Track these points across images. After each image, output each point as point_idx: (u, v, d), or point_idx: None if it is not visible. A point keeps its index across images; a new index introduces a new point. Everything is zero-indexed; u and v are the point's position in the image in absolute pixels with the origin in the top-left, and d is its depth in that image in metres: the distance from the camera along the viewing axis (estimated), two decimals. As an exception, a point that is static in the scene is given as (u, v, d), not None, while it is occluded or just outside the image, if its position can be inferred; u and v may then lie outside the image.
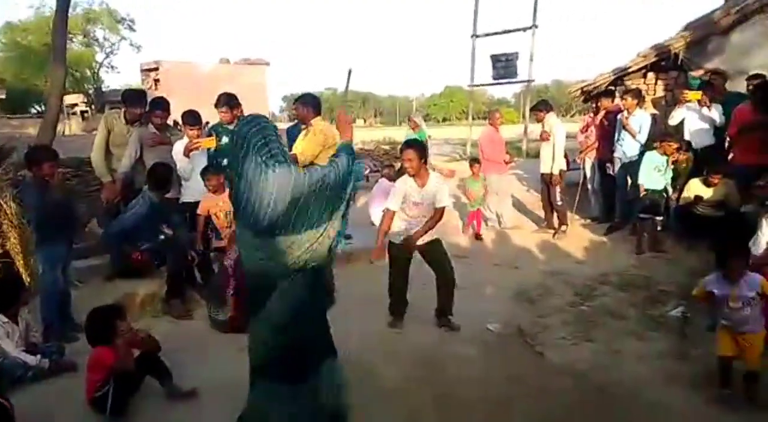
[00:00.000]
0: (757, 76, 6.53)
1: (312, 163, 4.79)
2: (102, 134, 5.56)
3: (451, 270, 4.54)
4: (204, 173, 5.09)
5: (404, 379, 3.60)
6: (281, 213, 2.38)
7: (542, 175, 7.46)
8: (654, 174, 6.37)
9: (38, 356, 3.61)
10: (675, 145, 6.22)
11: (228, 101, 5.45)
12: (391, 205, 4.45)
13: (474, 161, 7.76)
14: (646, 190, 6.40)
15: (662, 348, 4.03)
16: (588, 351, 4.04)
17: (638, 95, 7.18)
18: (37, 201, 4.17)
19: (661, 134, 6.49)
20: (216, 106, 5.54)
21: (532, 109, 7.97)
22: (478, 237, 7.48)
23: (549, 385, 3.52)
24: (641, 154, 6.72)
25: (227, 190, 4.41)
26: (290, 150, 5.40)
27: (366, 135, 25.24)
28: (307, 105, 4.97)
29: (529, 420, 3.13)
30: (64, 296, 4.33)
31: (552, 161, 7.21)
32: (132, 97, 5.64)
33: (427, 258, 4.60)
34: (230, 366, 3.81)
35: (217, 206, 5.04)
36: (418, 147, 4.48)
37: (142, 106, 5.57)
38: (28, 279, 5.01)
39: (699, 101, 6.57)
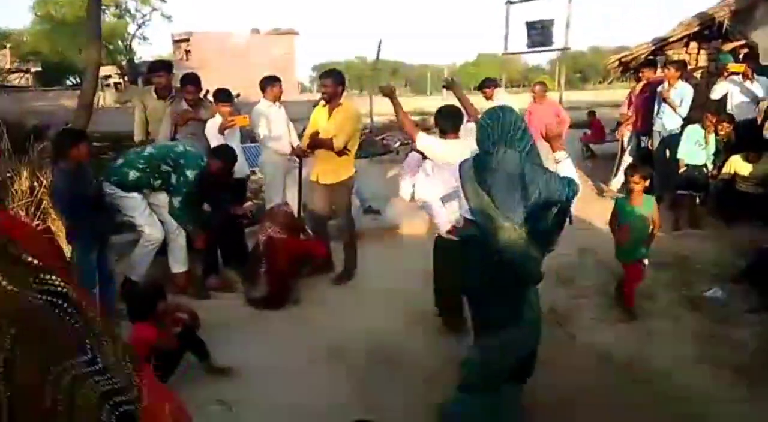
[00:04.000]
0: None
1: (345, 147, 4.78)
2: (139, 113, 5.64)
3: None
4: None
5: (442, 361, 3.64)
6: (534, 211, 2.45)
7: None
8: (695, 148, 6.19)
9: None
10: (714, 119, 6.01)
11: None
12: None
13: (635, 173, 4.19)
14: (686, 164, 6.24)
15: (697, 331, 3.97)
16: (620, 332, 4.00)
17: (682, 66, 6.93)
18: (68, 193, 3.96)
19: (705, 109, 6.26)
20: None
21: (478, 88, 7.59)
22: (629, 311, 4.26)
23: (578, 367, 3.51)
24: (682, 127, 6.53)
25: None
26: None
27: (396, 105, 25.08)
28: (338, 83, 4.88)
29: (556, 402, 3.13)
30: (105, 285, 4.26)
31: None
32: (155, 67, 5.69)
33: None
34: (264, 345, 3.93)
35: None
36: None
37: (167, 72, 5.59)
38: (70, 256, 5.20)
39: (742, 74, 6.33)
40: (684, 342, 3.82)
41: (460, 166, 2.73)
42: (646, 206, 4.12)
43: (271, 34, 44.88)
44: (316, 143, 4.86)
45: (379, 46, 12.31)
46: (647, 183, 4.14)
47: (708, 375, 3.41)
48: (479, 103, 7.69)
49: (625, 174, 4.61)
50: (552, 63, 53.42)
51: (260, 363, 3.66)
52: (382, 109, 19.69)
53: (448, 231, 3.04)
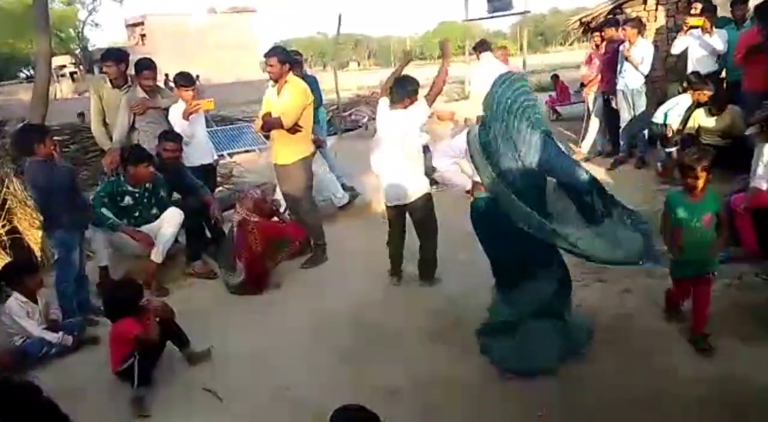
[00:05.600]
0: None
1: (297, 123, 4.71)
2: (95, 103, 5.46)
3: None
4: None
5: (417, 330, 3.69)
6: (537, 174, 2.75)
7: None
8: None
9: (60, 333, 3.68)
10: (709, 93, 6.04)
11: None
12: None
13: (697, 164, 3.09)
14: (655, 123, 6.38)
15: (668, 285, 4.04)
16: (598, 291, 4.08)
17: (639, 24, 6.98)
18: (43, 185, 3.95)
19: (696, 80, 6.22)
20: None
21: (474, 49, 7.80)
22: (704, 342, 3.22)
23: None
24: (646, 84, 6.65)
25: None
26: None
27: (360, 79, 24.76)
28: (284, 61, 4.70)
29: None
30: (80, 281, 4.21)
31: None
32: (105, 56, 5.47)
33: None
34: (246, 330, 3.91)
35: None
36: None
37: (121, 60, 5.37)
38: (40, 255, 5.08)
39: (702, 28, 6.39)
40: (660, 297, 3.89)
41: (468, 136, 2.90)
42: (709, 203, 3.12)
43: (229, 13, 43.82)
44: (268, 124, 4.78)
45: (339, 20, 12.10)
46: (710, 176, 3.11)
47: (681, 325, 3.47)
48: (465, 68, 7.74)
49: (681, 166, 3.26)
50: (513, 27, 53.43)
51: (243, 349, 3.65)
52: (348, 84, 19.53)
53: (468, 192, 3.18)
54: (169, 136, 4.97)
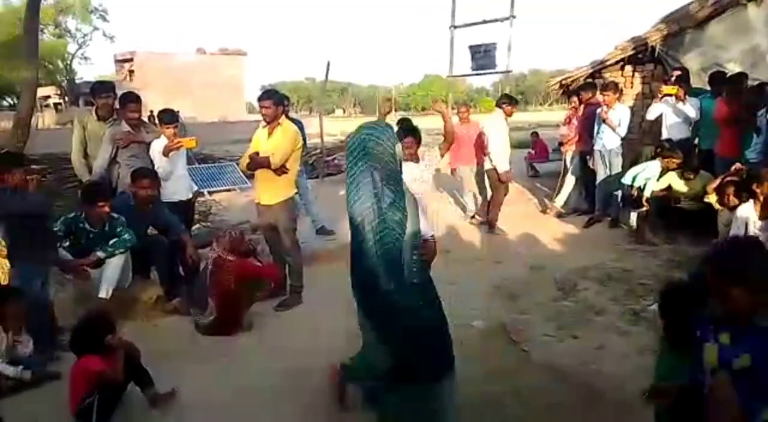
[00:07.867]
0: (716, 73, 6.86)
1: (284, 165, 4.76)
2: (78, 135, 5.46)
3: None
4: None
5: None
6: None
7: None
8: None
9: (20, 367, 3.52)
10: (678, 160, 6.26)
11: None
12: None
13: None
14: (625, 185, 6.56)
15: (644, 344, 4.06)
16: (572, 347, 4.08)
17: (617, 89, 7.26)
18: (9, 214, 3.90)
19: (667, 147, 6.44)
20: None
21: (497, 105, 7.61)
22: None
23: (533, 383, 3.55)
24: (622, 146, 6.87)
25: None
26: None
27: (344, 126, 25.05)
28: (278, 104, 4.85)
29: (513, 419, 3.16)
30: (42, 314, 3.99)
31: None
32: (98, 88, 5.58)
33: None
34: (213, 375, 3.80)
35: None
36: None
37: (110, 94, 5.47)
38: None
39: (675, 96, 6.67)
40: (633, 355, 3.91)
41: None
42: None
43: (219, 54, 44.43)
44: (255, 163, 4.84)
45: (327, 67, 12.35)
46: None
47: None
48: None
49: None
50: (495, 85, 55.02)
51: (208, 394, 3.52)
52: (332, 129, 19.75)
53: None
54: (144, 172, 4.89)
